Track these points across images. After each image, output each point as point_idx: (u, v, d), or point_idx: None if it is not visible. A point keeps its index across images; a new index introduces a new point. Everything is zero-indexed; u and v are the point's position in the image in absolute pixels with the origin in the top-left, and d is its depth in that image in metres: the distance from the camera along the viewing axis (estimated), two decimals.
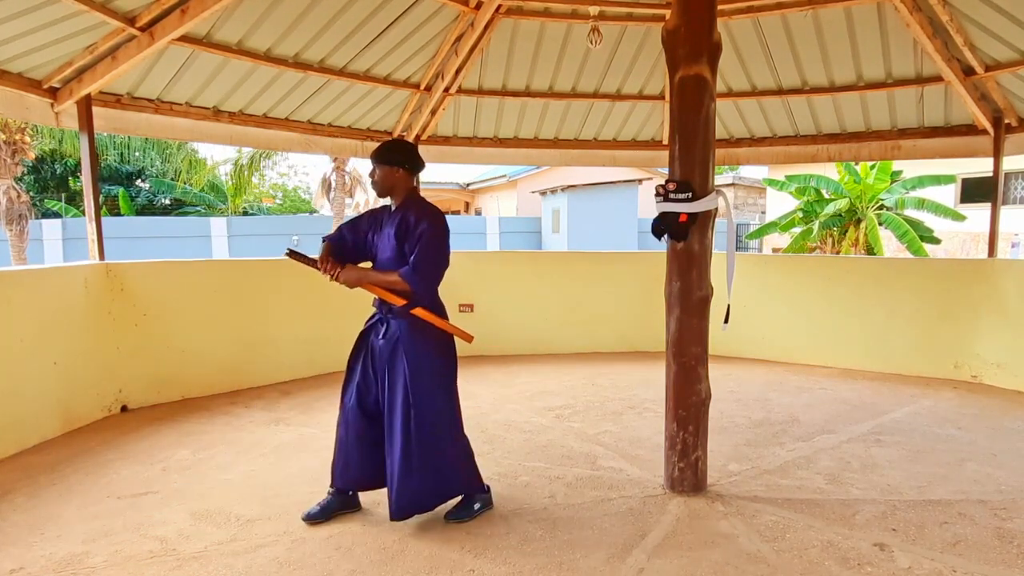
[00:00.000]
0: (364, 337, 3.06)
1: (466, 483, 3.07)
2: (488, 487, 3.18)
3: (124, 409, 4.83)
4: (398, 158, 2.98)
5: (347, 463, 3.04)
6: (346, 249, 3.07)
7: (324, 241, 3.07)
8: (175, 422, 4.57)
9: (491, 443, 4.13)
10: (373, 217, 3.11)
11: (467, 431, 4.29)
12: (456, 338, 3.04)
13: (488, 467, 3.71)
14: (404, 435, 2.87)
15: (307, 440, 4.18)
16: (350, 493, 3.14)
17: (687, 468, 3.33)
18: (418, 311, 2.90)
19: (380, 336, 2.96)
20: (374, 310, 3.06)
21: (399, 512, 2.90)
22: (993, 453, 3.93)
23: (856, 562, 2.68)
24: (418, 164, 3.04)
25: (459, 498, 3.09)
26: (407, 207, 2.98)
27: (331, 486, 3.12)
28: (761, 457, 3.88)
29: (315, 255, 3.05)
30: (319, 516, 3.05)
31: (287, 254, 3.10)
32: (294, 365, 5.79)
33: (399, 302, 2.88)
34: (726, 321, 3.44)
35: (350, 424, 3.02)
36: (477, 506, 3.08)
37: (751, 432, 4.33)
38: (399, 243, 2.93)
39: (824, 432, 4.32)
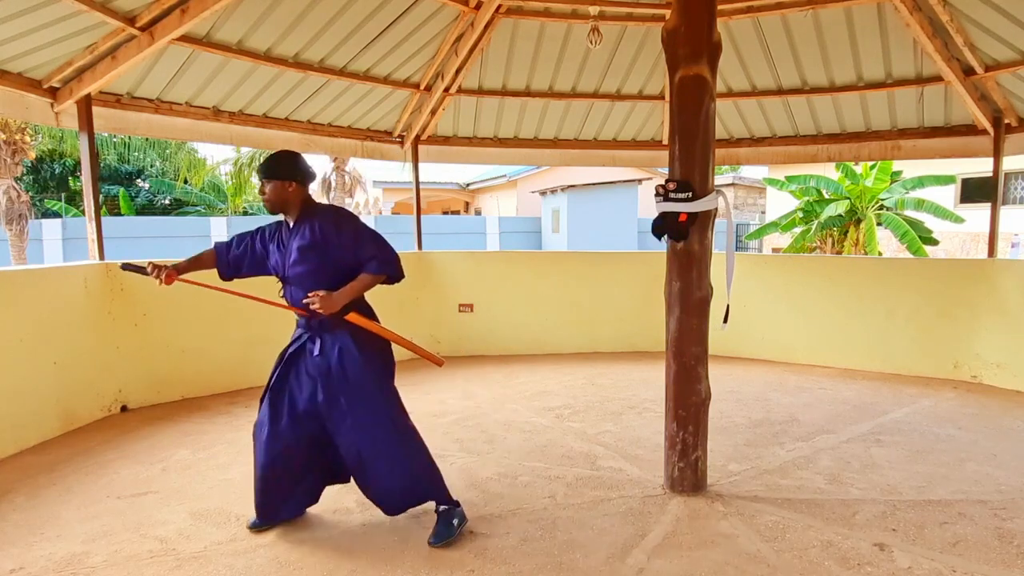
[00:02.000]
0: (290, 357, 2.91)
1: (439, 488, 2.90)
2: (458, 502, 2.98)
3: (124, 409, 4.82)
4: (288, 172, 2.80)
5: (276, 492, 2.91)
6: (229, 261, 2.97)
7: (213, 245, 3.01)
8: (175, 422, 4.57)
9: (491, 443, 4.12)
10: (267, 233, 2.95)
11: (467, 431, 4.34)
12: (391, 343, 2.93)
13: (488, 467, 3.71)
14: (371, 442, 2.78)
15: None
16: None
17: (687, 468, 3.33)
18: (352, 317, 2.77)
19: (316, 353, 2.82)
20: (297, 329, 2.94)
21: (395, 509, 2.91)
22: (993, 453, 3.93)
23: (856, 562, 2.68)
24: (309, 175, 2.88)
25: (435, 518, 2.92)
26: (310, 218, 2.82)
27: (258, 520, 2.96)
28: (761, 457, 3.88)
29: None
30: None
31: (122, 266, 2.92)
32: None
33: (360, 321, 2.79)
34: (725, 321, 3.44)
35: (280, 450, 2.85)
36: (456, 522, 2.88)
37: (751, 432, 4.33)
38: (318, 255, 2.77)
39: (824, 432, 4.32)
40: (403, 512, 2.96)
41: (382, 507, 2.91)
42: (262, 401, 2.94)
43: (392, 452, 2.82)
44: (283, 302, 2.90)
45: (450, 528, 2.86)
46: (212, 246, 3.03)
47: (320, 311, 2.72)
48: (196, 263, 2.98)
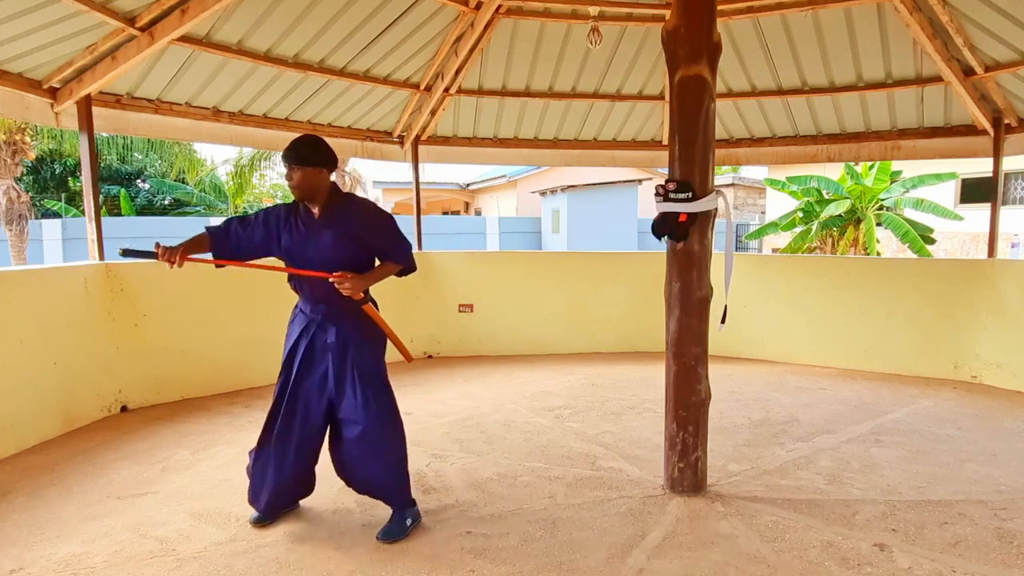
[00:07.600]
0: (295, 347, 2.96)
1: (406, 488, 2.99)
2: (414, 501, 3.05)
3: (124, 409, 4.82)
4: (321, 158, 2.77)
5: (278, 482, 2.95)
6: (229, 244, 2.86)
7: (205, 230, 2.86)
8: (175, 422, 4.57)
9: (491, 443, 4.12)
10: (277, 218, 2.87)
11: (467, 431, 4.34)
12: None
13: (488, 467, 3.71)
14: (369, 429, 2.85)
15: None
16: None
17: (687, 468, 3.33)
18: (368, 308, 2.91)
19: (330, 340, 2.88)
20: (301, 315, 2.99)
21: (366, 489, 2.98)
22: (993, 453, 3.93)
23: (856, 562, 2.68)
24: (335, 160, 2.86)
25: (391, 514, 2.97)
26: (345, 206, 2.85)
27: (259, 515, 3.02)
28: (761, 457, 3.88)
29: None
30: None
31: (121, 253, 2.71)
32: None
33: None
34: (723, 321, 3.44)
35: (292, 439, 2.91)
36: (409, 522, 2.95)
37: (751, 432, 4.33)
38: (358, 244, 2.83)
39: (824, 432, 4.32)
40: (371, 494, 3.00)
41: (355, 484, 2.99)
42: (276, 402, 2.96)
43: (389, 438, 2.92)
44: (309, 272, 2.83)
45: (403, 527, 2.93)
46: (204, 230, 2.88)
47: (347, 290, 2.75)
48: (193, 247, 2.79)
